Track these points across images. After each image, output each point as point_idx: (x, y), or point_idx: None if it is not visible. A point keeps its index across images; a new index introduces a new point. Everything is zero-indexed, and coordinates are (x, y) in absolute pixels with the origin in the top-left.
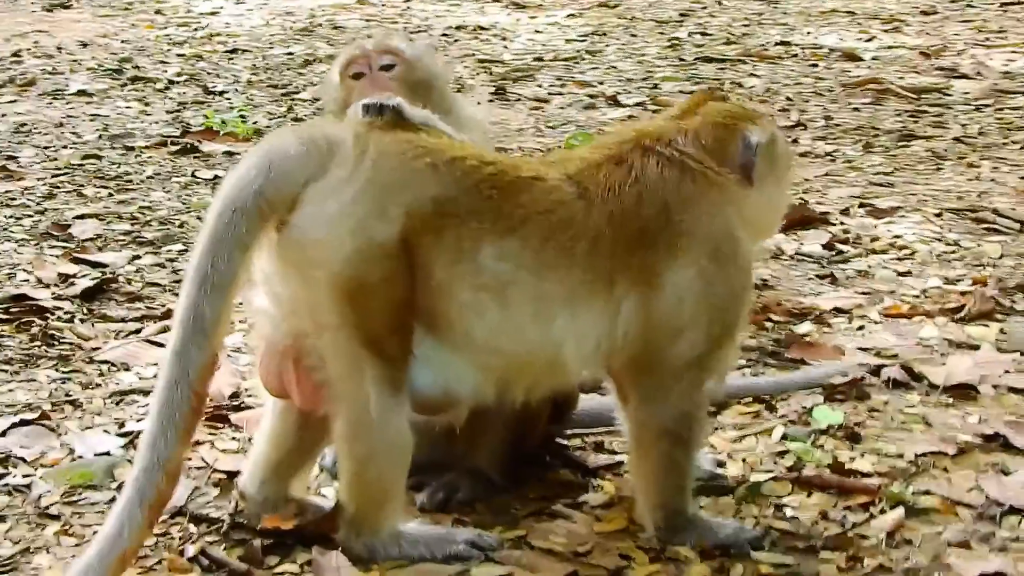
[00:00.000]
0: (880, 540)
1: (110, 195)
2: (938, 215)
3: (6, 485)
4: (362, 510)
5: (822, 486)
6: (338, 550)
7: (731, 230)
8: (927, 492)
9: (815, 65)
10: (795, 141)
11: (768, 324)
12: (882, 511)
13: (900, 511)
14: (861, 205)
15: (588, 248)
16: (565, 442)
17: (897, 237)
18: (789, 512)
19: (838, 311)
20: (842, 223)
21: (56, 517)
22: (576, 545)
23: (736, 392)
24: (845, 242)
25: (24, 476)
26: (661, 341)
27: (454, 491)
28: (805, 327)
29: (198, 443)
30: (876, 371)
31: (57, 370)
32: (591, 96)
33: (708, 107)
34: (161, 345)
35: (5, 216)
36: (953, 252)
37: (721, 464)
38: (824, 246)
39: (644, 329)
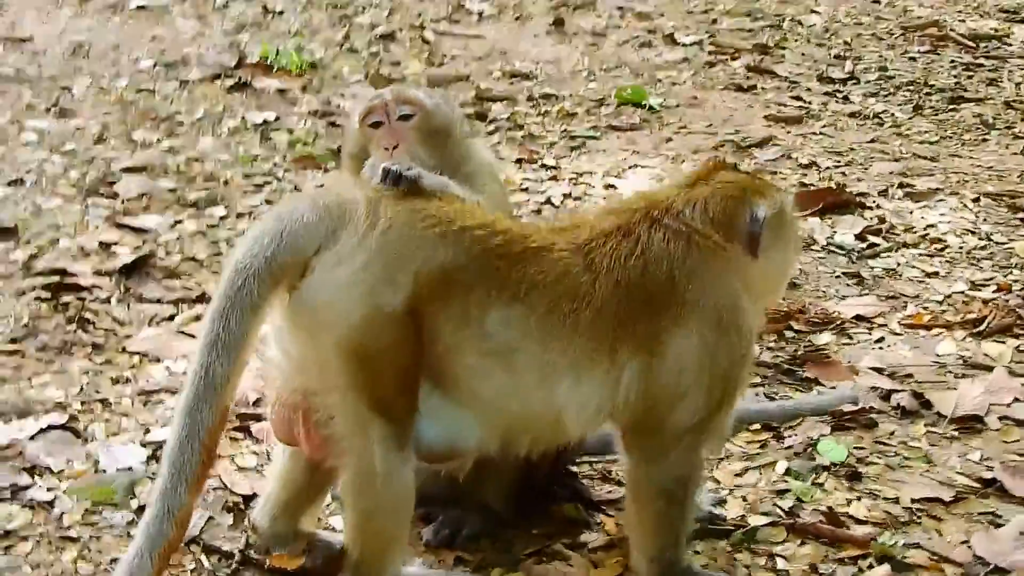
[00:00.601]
0: None
1: (159, 141)
2: (976, 200)
3: (31, 500)
4: (366, 557)
5: (816, 535)
6: None
7: (734, 301)
8: (917, 545)
9: (877, 1)
10: (846, 98)
11: (788, 334)
12: (870, 566)
13: (887, 567)
14: (900, 185)
15: (593, 318)
16: (574, 468)
17: (931, 227)
18: (780, 563)
19: (859, 319)
20: (878, 207)
21: (75, 540)
22: None
23: (746, 418)
24: (878, 232)
25: (48, 489)
26: (661, 407)
27: (459, 527)
28: (825, 338)
29: (219, 456)
30: (887, 396)
31: (90, 360)
32: (649, 31)
33: (719, 176)
34: (193, 336)
35: (54, 163)
36: (983, 248)
37: (722, 502)
38: (856, 236)
39: (645, 396)
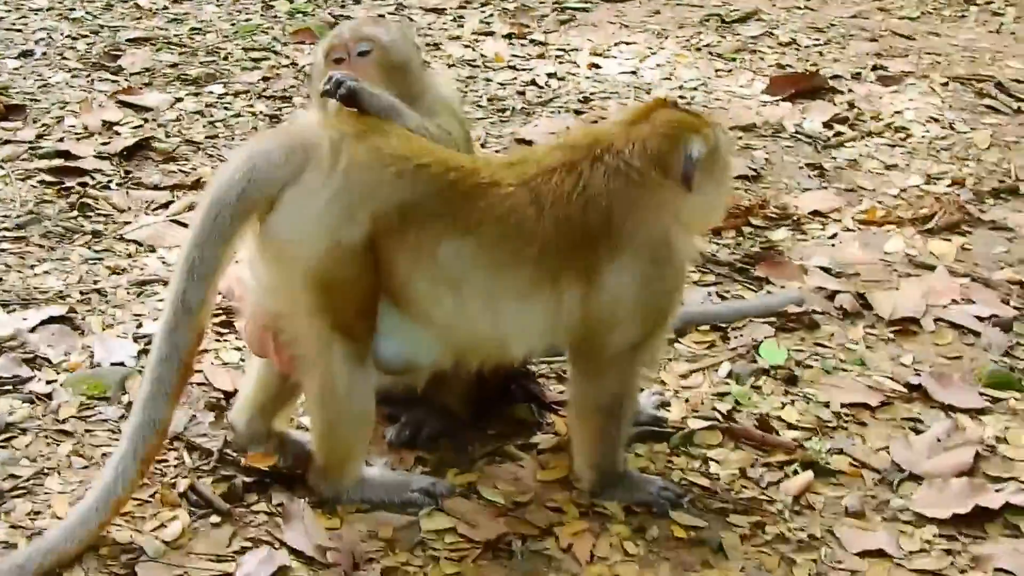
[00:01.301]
0: (786, 505)
1: (165, 8)
2: (944, 84)
3: (31, 393)
4: (330, 462)
5: (748, 439)
6: (305, 497)
7: (667, 236)
8: (840, 451)
9: None
10: None
11: (746, 229)
12: (795, 471)
13: (810, 473)
14: (874, 68)
15: (537, 250)
16: (532, 368)
17: (897, 114)
18: (713, 467)
19: (816, 214)
20: (849, 91)
21: (71, 434)
22: (519, 494)
23: (696, 319)
24: (844, 121)
25: (47, 383)
26: (599, 333)
27: (420, 429)
28: (780, 234)
29: (204, 351)
30: (831, 296)
31: (90, 248)
32: None
33: (658, 114)
34: (186, 225)
35: (63, 34)
36: (945, 139)
37: (665, 405)
38: (824, 124)
39: (584, 323)
